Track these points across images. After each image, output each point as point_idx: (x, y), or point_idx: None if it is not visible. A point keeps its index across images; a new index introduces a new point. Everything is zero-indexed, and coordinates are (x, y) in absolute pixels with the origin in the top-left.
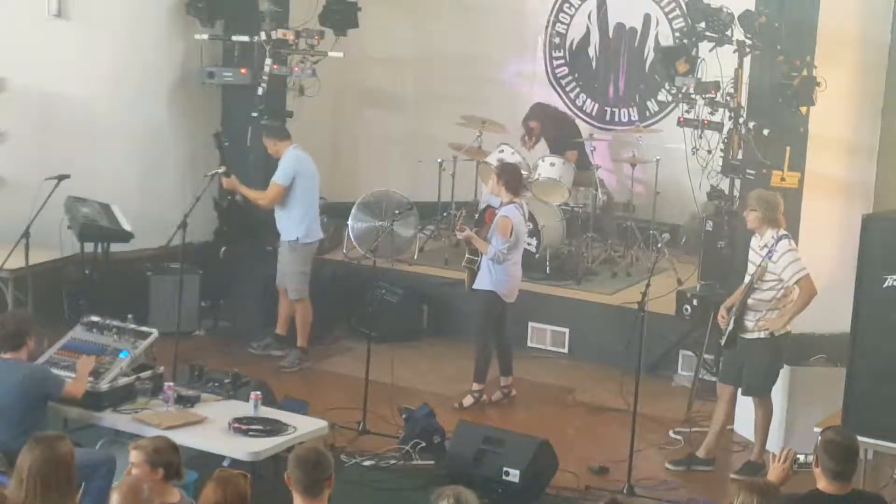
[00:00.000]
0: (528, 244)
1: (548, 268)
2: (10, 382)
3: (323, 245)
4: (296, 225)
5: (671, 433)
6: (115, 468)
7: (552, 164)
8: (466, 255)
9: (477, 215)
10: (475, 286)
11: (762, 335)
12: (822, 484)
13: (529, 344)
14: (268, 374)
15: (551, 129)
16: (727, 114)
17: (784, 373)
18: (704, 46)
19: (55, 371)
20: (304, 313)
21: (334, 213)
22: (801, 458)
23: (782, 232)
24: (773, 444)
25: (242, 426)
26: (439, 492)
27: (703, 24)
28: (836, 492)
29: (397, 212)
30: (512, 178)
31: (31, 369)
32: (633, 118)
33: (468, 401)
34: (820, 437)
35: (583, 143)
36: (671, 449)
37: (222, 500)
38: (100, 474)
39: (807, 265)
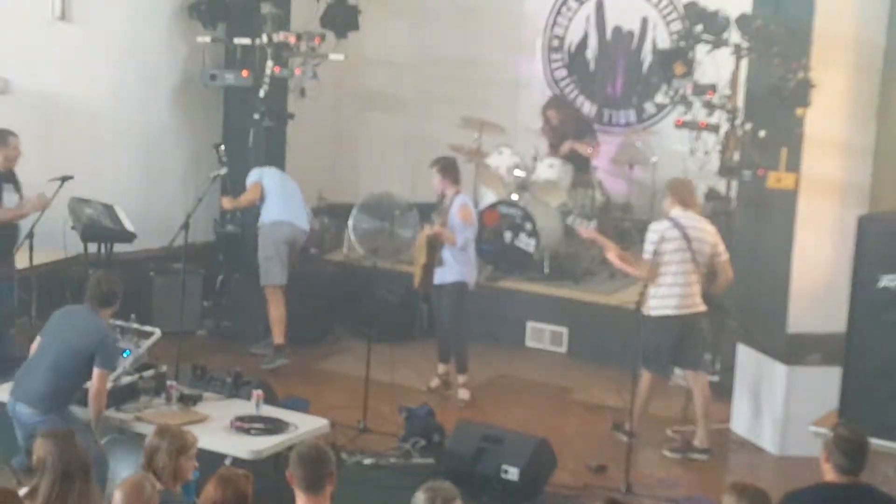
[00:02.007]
0: (527, 244)
1: (546, 268)
2: (78, 330)
3: (323, 245)
4: (266, 214)
5: (669, 432)
6: (108, 470)
7: (550, 166)
8: (426, 254)
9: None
10: (440, 281)
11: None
12: (830, 477)
13: (528, 343)
14: (269, 373)
15: (568, 121)
16: (724, 116)
17: (781, 372)
18: (701, 49)
19: None
20: (273, 304)
21: (335, 214)
22: None
23: (672, 214)
24: (770, 442)
25: (244, 424)
26: None
27: (700, 27)
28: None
29: (397, 212)
30: (453, 171)
31: (104, 331)
32: (630, 120)
33: (465, 394)
34: (832, 434)
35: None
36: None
37: (221, 498)
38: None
39: (650, 255)
